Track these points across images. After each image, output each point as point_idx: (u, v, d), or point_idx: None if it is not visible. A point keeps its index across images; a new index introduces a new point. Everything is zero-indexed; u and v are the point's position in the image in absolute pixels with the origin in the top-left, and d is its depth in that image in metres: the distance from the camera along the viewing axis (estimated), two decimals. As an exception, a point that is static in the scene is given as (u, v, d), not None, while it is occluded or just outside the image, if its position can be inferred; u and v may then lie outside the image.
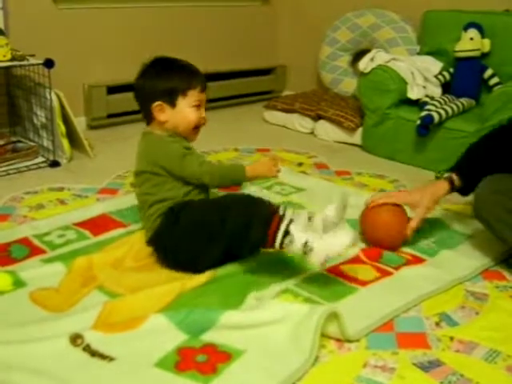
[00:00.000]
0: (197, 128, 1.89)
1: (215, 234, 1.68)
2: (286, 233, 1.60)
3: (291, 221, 1.62)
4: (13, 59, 2.66)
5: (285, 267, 1.79)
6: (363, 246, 1.96)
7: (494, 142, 2.01)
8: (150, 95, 1.82)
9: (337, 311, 1.44)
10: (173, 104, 1.82)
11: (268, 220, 1.62)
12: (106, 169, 2.72)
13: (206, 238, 1.70)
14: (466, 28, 3.07)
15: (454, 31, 3.14)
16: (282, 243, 1.61)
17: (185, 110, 1.83)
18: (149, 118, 1.88)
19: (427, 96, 3.03)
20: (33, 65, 2.73)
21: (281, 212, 1.64)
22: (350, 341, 1.45)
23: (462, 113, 2.92)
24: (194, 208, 1.77)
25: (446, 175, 1.99)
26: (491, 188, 1.84)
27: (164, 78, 1.83)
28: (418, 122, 2.83)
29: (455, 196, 2.49)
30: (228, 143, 3.15)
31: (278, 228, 1.61)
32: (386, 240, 1.93)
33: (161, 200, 1.80)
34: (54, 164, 2.75)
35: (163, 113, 1.83)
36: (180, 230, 1.74)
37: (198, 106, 1.85)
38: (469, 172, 1.96)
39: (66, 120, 2.82)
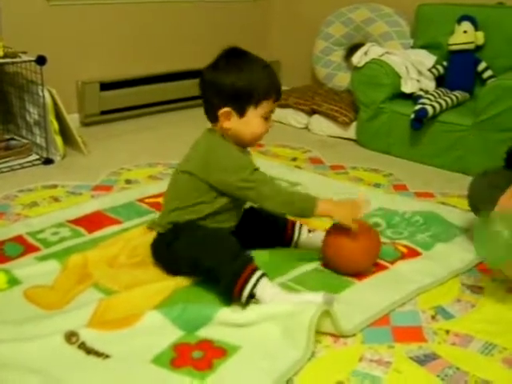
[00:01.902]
0: (261, 137, 1.73)
1: (195, 268, 1.63)
2: (252, 296, 1.52)
3: (259, 281, 1.53)
4: (5, 56, 2.64)
5: (281, 263, 1.79)
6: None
7: None
8: (218, 95, 1.63)
9: (330, 310, 1.43)
10: (241, 113, 1.64)
11: (237, 273, 1.53)
12: (99, 166, 2.71)
13: (189, 267, 1.65)
14: (459, 21, 3.07)
15: (448, 24, 3.14)
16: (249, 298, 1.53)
17: (253, 120, 1.65)
18: (212, 118, 1.69)
19: (421, 90, 3.03)
20: (25, 62, 2.71)
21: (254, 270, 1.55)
22: (345, 336, 1.45)
23: (456, 106, 2.92)
24: (187, 237, 1.66)
25: None
26: (486, 181, 1.84)
27: (239, 80, 1.61)
28: (412, 115, 2.82)
29: (451, 189, 2.50)
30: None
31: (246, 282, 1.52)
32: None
33: (185, 207, 1.69)
34: (48, 161, 2.74)
35: (228, 120, 1.65)
36: (173, 251, 1.68)
37: (266, 118, 1.68)
38: None
39: (59, 117, 2.81)
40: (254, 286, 1.52)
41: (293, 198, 1.67)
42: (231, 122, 1.65)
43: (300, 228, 1.89)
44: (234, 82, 1.61)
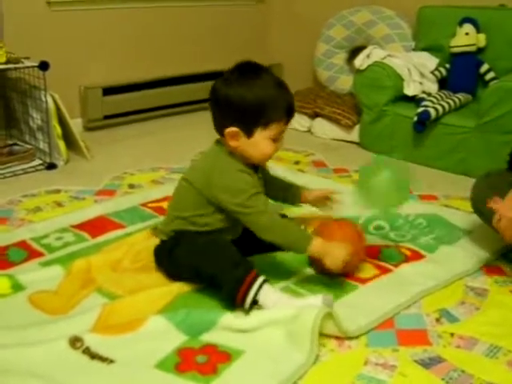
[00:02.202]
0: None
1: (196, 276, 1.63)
2: (255, 302, 1.51)
3: (261, 287, 1.52)
4: (8, 62, 2.65)
5: (284, 266, 1.79)
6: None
7: None
8: (226, 114, 1.58)
9: (331, 311, 1.43)
10: (249, 134, 1.58)
11: (239, 281, 1.52)
12: (102, 170, 2.71)
13: (190, 275, 1.64)
14: (461, 23, 3.07)
15: (450, 27, 3.14)
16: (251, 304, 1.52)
17: (261, 142, 1.59)
18: (220, 133, 1.63)
19: (424, 92, 3.03)
20: (28, 67, 2.72)
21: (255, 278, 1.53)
22: (350, 337, 1.45)
23: (458, 108, 2.91)
24: (188, 245, 1.65)
25: None
26: (489, 183, 1.84)
27: (249, 100, 1.54)
28: (415, 118, 2.82)
29: (454, 192, 2.50)
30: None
31: (248, 289, 1.51)
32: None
33: (185, 217, 1.68)
34: (51, 166, 2.74)
35: (236, 140, 1.59)
36: (175, 258, 1.67)
37: (276, 139, 1.62)
38: None
39: (62, 122, 2.81)
40: (257, 292, 1.51)
41: (287, 234, 1.62)
42: (238, 142, 1.59)
43: None
44: (243, 102, 1.54)
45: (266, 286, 1.53)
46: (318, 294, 1.56)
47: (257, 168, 1.70)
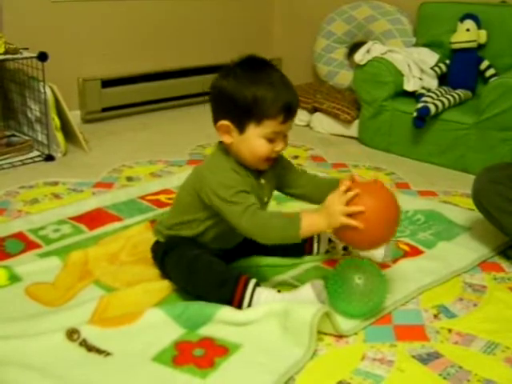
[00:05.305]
0: (268, 160, 1.54)
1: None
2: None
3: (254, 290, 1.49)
4: (6, 52, 2.63)
5: (282, 261, 1.78)
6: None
7: None
8: (219, 106, 1.52)
9: (329, 311, 1.42)
10: (241, 129, 1.48)
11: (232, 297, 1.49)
12: (101, 162, 2.71)
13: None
14: (462, 19, 3.06)
15: (450, 23, 3.13)
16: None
17: (254, 140, 1.48)
18: (215, 126, 1.55)
19: (423, 88, 3.02)
20: (26, 58, 2.70)
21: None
22: (345, 335, 1.44)
23: (458, 104, 2.90)
24: (176, 261, 1.58)
25: None
26: (490, 177, 1.84)
27: (242, 92, 1.45)
28: (415, 113, 2.81)
29: (453, 188, 2.50)
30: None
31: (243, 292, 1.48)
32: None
33: (181, 222, 1.63)
34: (49, 158, 2.73)
35: (229, 135, 1.51)
36: (166, 269, 1.64)
37: (272, 139, 1.50)
38: None
39: (61, 114, 2.80)
40: (250, 302, 1.48)
41: (271, 221, 1.45)
42: (232, 137, 1.51)
43: (318, 239, 1.82)
44: (235, 94, 1.46)
45: (258, 291, 1.49)
46: (306, 284, 1.52)
47: (260, 173, 1.59)
